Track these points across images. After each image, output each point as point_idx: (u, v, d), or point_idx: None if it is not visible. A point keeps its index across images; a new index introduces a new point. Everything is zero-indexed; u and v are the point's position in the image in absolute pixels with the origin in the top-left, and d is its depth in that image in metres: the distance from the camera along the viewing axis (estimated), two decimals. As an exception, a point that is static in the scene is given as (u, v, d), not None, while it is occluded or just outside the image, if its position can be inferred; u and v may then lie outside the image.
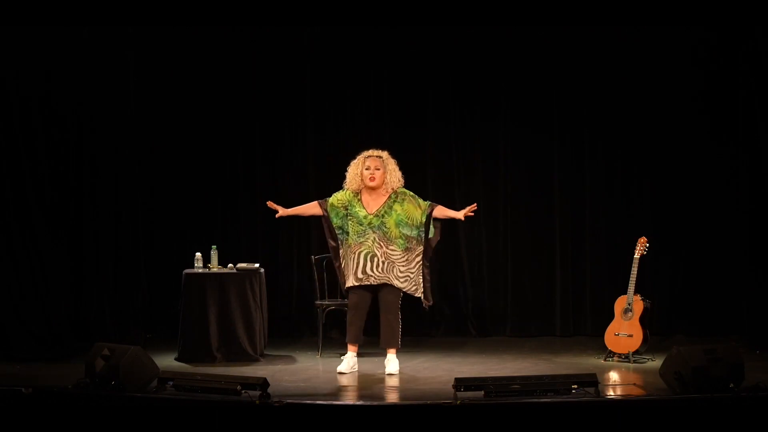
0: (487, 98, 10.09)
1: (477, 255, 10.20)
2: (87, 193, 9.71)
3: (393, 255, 8.28)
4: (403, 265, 8.30)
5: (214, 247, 9.14)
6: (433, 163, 10.19)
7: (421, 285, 8.36)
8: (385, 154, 8.42)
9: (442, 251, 10.13)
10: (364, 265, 8.26)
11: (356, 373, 8.33)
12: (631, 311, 8.76)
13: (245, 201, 10.12)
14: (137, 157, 9.90)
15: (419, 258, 8.35)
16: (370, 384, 8.06)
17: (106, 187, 9.78)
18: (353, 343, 8.39)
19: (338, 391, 7.87)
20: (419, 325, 10.06)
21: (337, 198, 8.42)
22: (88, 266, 9.70)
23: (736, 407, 6.89)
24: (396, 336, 8.35)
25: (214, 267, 9.07)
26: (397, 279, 8.29)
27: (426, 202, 8.38)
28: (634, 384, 8.04)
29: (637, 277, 8.74)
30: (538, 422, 6.79)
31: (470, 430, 6.78)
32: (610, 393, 7.63)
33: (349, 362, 8.35)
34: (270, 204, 8.49)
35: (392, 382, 8.09)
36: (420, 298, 8.40)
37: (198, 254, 9.10)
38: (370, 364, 8.59)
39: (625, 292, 8.78)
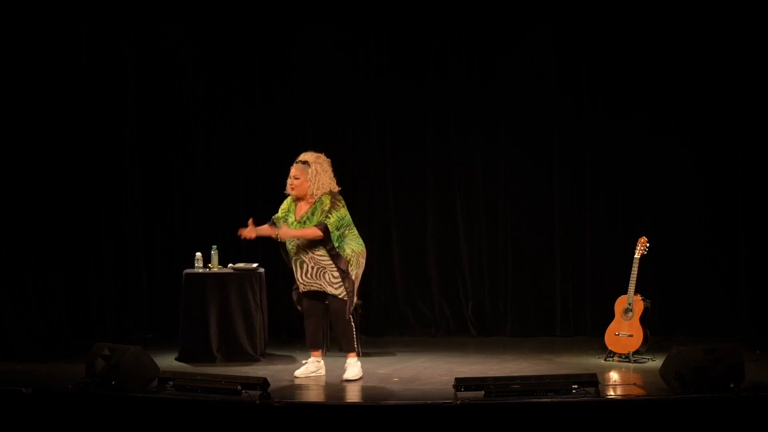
0: (487, 95, 10.08)
1: (477, 255, 10.20)
2: (87, 192, 9.70)
3: (322, 260, 8.06)
4: (335, 272, 8.06)
5: (214, 247, 9.14)
6: (434, 159, 10.18)
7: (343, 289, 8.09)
8: (313, 157, 8.12)
9: (443, 251, 10.17)
10: (298, 272, 8.13)
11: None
12: (631, 311, 8.76)
13: (245, 201, 10.12)
14: (137, 157, 9.90)
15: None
16: (370, 384, 8.05)
17: (106, 187, 9.78)
18: (312, 348, 8.26)
19: (338, 391, 7.87)
20: (419, 325, 10.07)
21: (282, 209, 8.26)
22: (88, 266, 9.70)
23: (736, 407, 6.89)
24: (350, 341, 8.16)
25: (214, 267, 9.08)
26: (330, 285, 8.07)
27: (321, 218, 7.98)
28: (634, 384, 8.04)
29: (637, 277, 8.74)
30: (538, 422, 6.80)
31: (470, 430, 6.78)
32: (610, 393, 7.63)
33: (309, 368, 8.22)
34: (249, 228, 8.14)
35: (392, 382, 8.07)
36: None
37: (198, 254, 9.10)
38: (371, 364, 8.59)
39: (625, 292, 8.78)
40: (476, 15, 9.89)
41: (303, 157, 8.16)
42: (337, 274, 8.04)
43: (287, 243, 8.14)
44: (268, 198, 10.03)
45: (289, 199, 8.24)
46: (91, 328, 9.55)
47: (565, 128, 10.04)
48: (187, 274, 9.00)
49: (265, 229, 8.17)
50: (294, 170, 8.14)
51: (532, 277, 10.14)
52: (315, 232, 7.99)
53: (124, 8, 9.60)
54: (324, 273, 8.06)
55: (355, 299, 8.20)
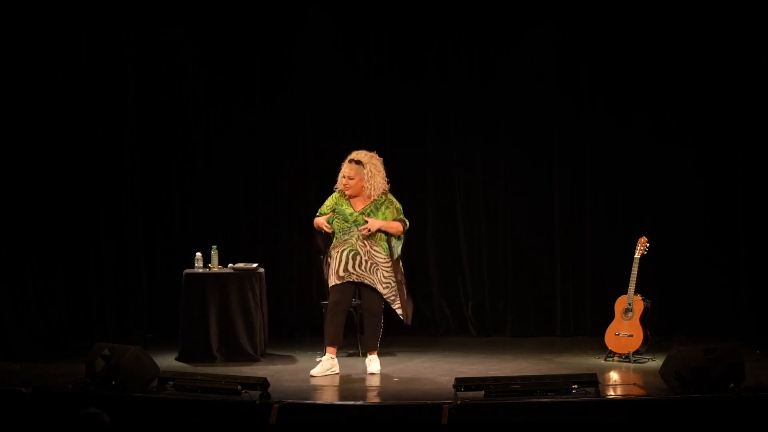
0: (487, 95, 10.08)
1: (477, 255, 10.20)
2: (87, 192, 9.71)
3: (377, 257, 8.14)
4: (387, 271, 8.17)
5: (214, 247, 9.14)
6: (434, 159, 10.18)
7: (398, 300, 8.22)
8: (366, 157, 8.18)
9: (443, 251, 10.16)
10: (346, 263, 8.12)
11: (357, 374, 8.31)
12: (631, 311, 8.76)
13: (245, 201, 10.12)
14: (137, 157, 9.90)
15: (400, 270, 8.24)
16: (370, 384, 8.05)
17: (106, 187, 9.78)
18: (332, 345, 8.21)
19: (338, 391, 7.86)
20: (419, 325, 10.05)
21: (326, 206, 8.28)
22: (88, 266, 9.70)
23: (736, 407, 6.89)
24: (377, 340, 8.27)
25: (214, 267, 9.08)
26: (380, 283, 8.14)
27: (400, 217, 8.21)
28: (634, 384, 8.04)
29: (637, 277, 8.74)
30: (538, 422, 6.79)
31: (470, 430, 6.78)
32: (610, 393, 7.63)
33: (324, 365, 8.17)
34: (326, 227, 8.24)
35: (392, 382, 8.07)
36: (398, 312, 8.26)
37: (198, 254, 9.10)
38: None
39: (625, 292, 8.78)
40: (476, 15, 9.90)
41: (356, 156, 8.19)
42: (387, 273, 8.15)
43: (341, 234, 8.14)
44: (268, 198, 10.11)
45: (336, 194, 8.27)
46: (91, 328, 9.55)
47: (565, 128, 10.03)
48: (187, 274, 9.00)
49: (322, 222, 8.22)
50: (348, 170, 8.17)
51: (532, 277, 10.14)
52: (400, 227, 8.16)
53: (124, 8, 9.61)
54: (377, 269, 8.13)
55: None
